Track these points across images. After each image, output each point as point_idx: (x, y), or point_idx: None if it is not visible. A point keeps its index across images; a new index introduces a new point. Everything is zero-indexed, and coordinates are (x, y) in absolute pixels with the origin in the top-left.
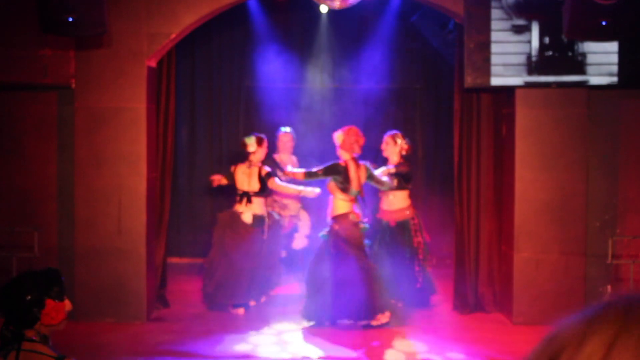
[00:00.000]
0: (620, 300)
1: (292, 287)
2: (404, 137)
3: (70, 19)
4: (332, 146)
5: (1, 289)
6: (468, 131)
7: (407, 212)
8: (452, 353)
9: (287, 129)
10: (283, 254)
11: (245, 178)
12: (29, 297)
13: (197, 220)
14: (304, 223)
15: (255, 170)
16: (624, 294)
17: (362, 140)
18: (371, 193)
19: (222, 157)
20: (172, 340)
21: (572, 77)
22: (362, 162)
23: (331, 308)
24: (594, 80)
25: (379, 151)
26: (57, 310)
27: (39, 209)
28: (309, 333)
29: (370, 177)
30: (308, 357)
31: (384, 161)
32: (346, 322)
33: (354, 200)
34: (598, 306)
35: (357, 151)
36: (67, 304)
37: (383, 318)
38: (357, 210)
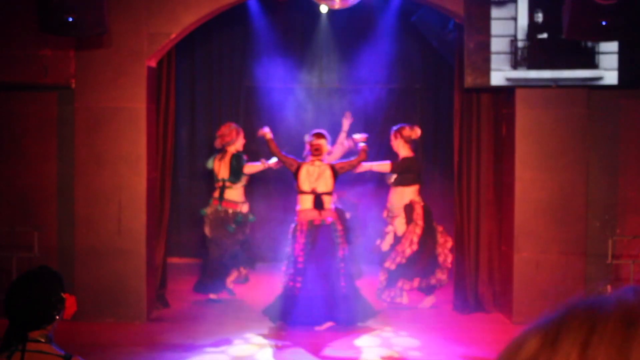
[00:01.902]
0: (585, 301)
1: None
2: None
3: (70, 19)
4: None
5: (15, 294)
6: (468, 131)
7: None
8: (452, 353)
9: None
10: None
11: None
12: (53, 296)
13: (197, 220)
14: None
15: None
16: (586, 297)
17: (228, 136)
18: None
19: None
20: (172, 340)
21: (573, 77)
22: (238, 154)
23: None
24: (594, 80)
25: (379, 149)
26: (73, 303)
27: (39, 209)
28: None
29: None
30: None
31: (394, 156)
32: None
33: (221, 185)
34: (564, 309)
35: (220, 144)
36: None
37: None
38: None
